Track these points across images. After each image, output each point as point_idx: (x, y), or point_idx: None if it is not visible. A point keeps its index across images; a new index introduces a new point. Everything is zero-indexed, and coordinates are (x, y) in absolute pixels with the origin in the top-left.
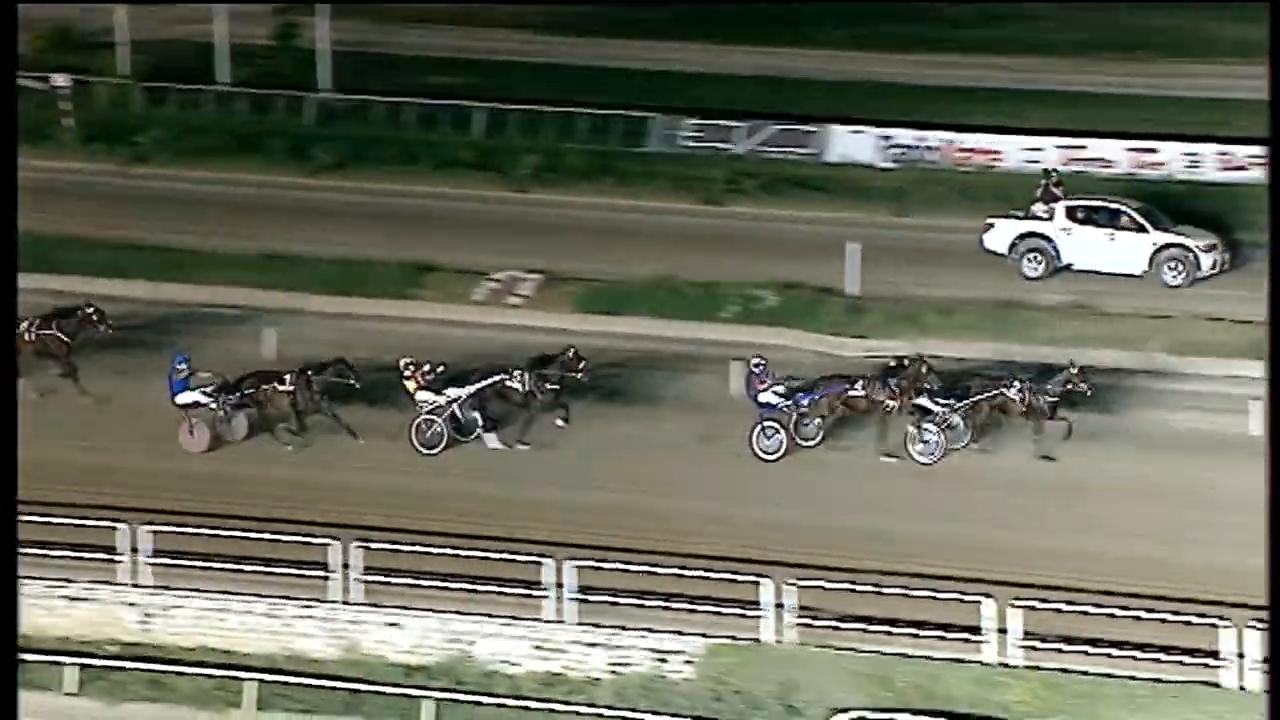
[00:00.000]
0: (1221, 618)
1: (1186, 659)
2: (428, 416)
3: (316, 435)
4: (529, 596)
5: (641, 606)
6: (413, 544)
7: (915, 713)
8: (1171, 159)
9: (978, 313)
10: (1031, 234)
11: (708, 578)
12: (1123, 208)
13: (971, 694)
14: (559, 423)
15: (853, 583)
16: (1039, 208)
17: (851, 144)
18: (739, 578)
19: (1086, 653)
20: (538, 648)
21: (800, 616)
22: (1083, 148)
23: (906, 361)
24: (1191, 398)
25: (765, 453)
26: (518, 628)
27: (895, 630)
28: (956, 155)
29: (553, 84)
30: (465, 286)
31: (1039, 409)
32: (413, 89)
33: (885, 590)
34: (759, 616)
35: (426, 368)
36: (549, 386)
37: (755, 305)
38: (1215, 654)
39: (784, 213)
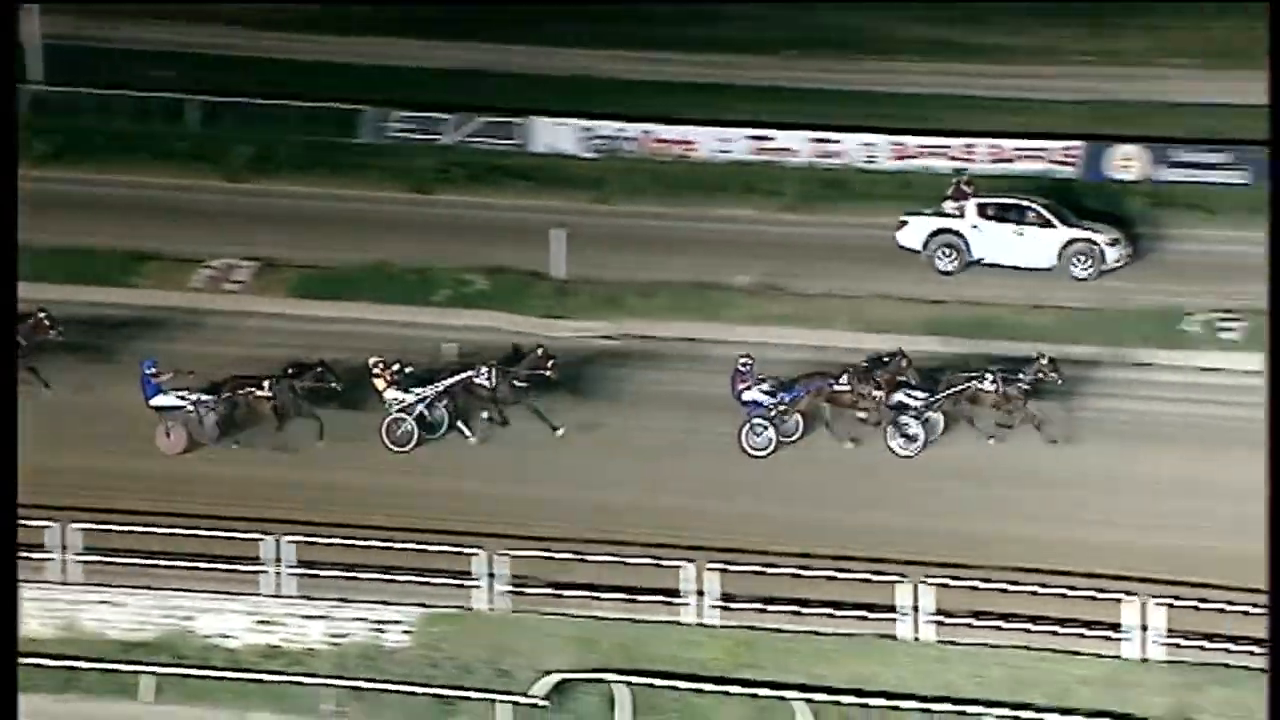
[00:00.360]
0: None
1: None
2: (398, 415)
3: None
4: (248, 572)
5: (358, 580)
6: (129, 524)
7: (619, 672)
8: (850, 149)
9: (677, 294)
10: (944, 231)
11: (426, 550)
12: (1031, 204)
13: (672, 653)
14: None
15: (559, 552)
16: (950, 205)
17: (555, 135)
18: (454, 550)
19: (779, 612)
20: (258, 621)
21: (513, 585)
22: (771, 139)
23: (886, 358)
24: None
25: (755, 450)
26: (237, 603)
27: (601, 596)
28: (654, 145)
29: (266, 78)
30: (183, 274)
31: (1012, 400)
32: (128, 83)
33: (590, 559)
34: (474, 586)
35: (396, 366)
36: (517, 383)
37: (466, 289)
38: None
39: (492, 201)
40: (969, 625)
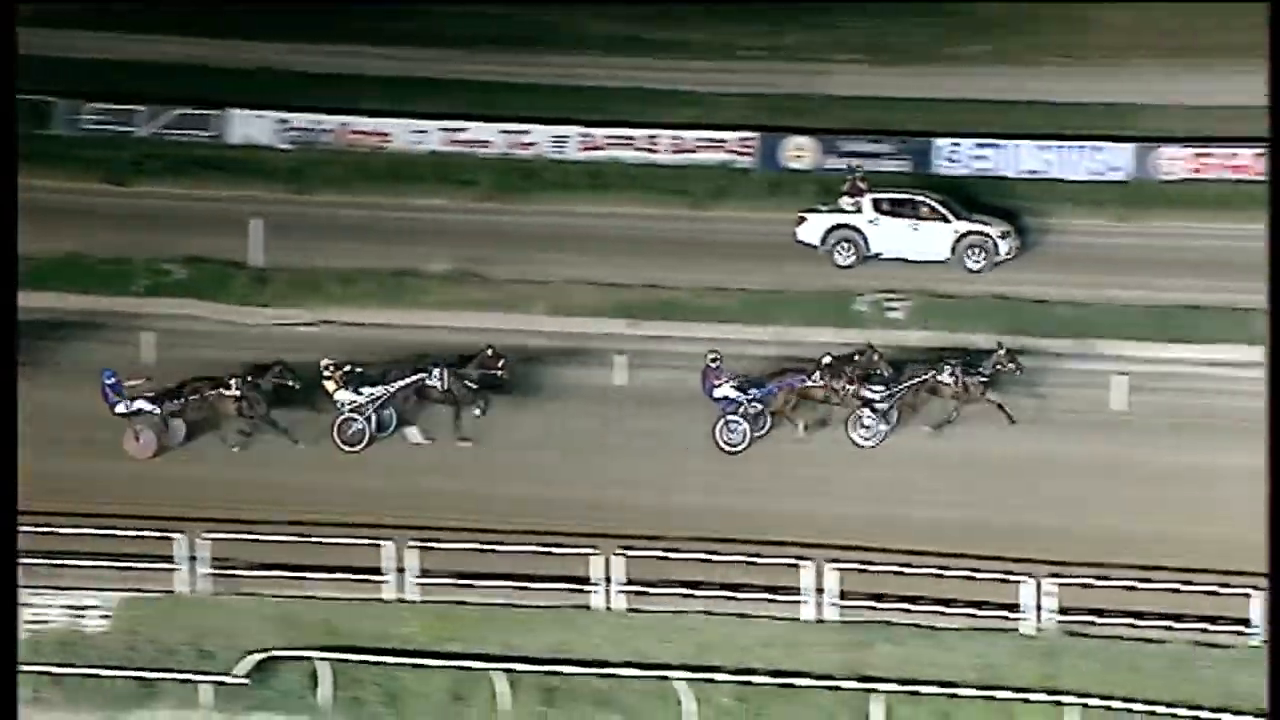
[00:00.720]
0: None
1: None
2: (349, 415)
3: None
4: None
5: (61, 567)
6: None
7: (321, 649)
8: (540, 140)
9: (375, 281)
10: (842, 226)
11: (123, 535)
12: (925, 199)
13: (373, 629)
14: (475, 413)
15: (260, 535)
16: (846, 201)
17: (252, 127)
18: (156, 534)
19: (477, 587)
20: None
21: (214, 568)
22: (464, 130)
23: (858, 354)
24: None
25: (730, 446)
26: None
27: (304, 576)
28: (350, 137)
29: None
30: None
31: (971, 390)
32: None
33: (291, 540)
34: (175, 570)
35: (348, 368)
36: (468, 384)
37: (165, 279)
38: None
39: (189, 192)
40: (659, 594)
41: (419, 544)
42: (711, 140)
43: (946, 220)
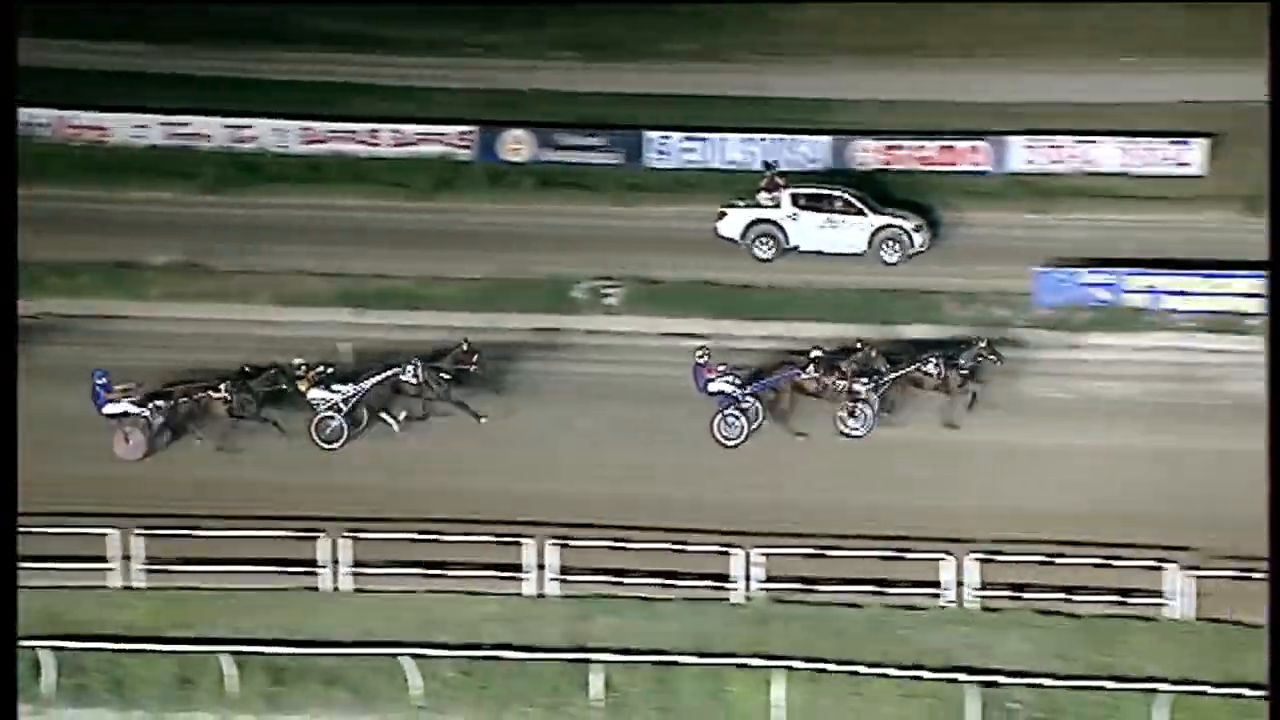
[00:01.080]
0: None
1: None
2: (327, 413)
3: None
4: None
5: None
6: None
7: (43, 637)
8: (262, 133)
9: (97, 274)
10: (762, 221)
11: None
12: (842, 194)
13: (98, 616)
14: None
15: None
16: (765, 196)
17: None
18: None
19: (204, 572)
20: None
21: None
22: (186, 124)
23: (857, 346)
24: None
25: (727, 439)
26: None
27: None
28: (68, 131)
29: None
30: None
31: (952, 382)
32: None
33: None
34: None
35: (320, 368)
36: (443, 378)
37: None
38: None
39: None
40: (385, 575)
41: (144, 532)
42: (431, 134)
43: (863, 214)
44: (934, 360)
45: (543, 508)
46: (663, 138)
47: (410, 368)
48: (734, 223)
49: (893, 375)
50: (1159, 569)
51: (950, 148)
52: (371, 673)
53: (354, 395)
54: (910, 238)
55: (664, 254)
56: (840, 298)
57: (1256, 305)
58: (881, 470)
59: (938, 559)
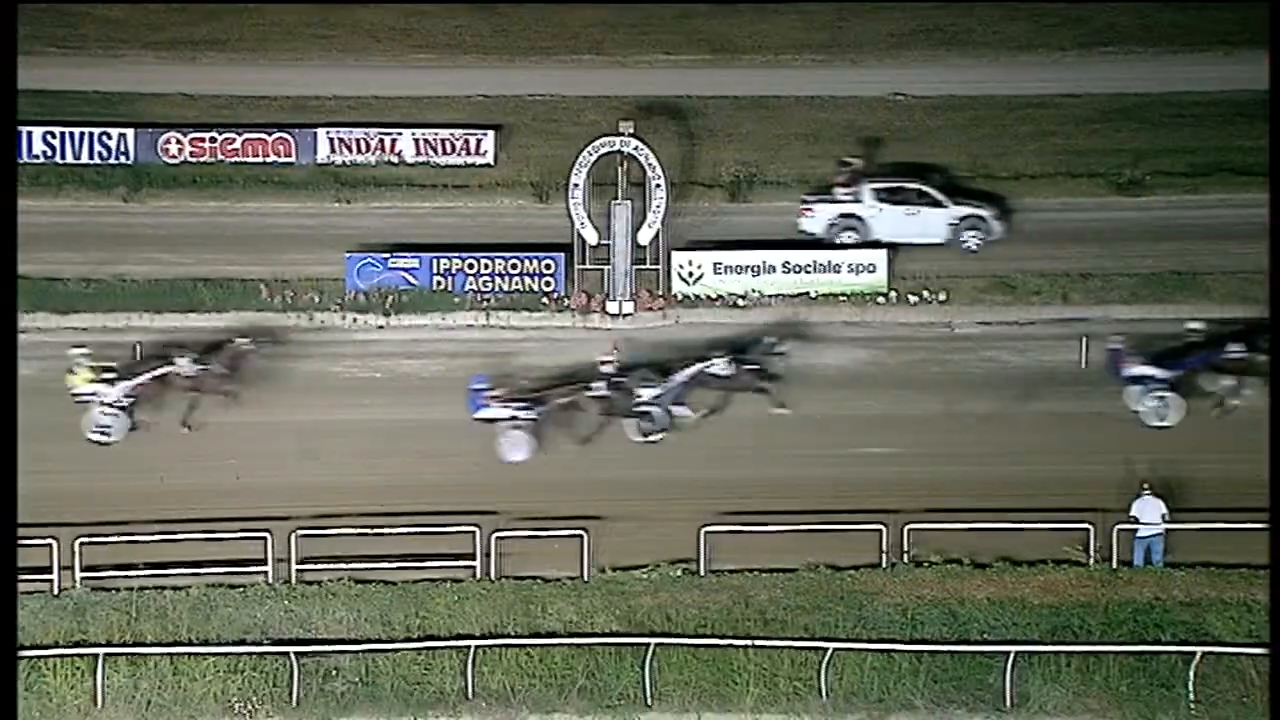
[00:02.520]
0: None
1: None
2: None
3: None
4: None
5: None
6: None
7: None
8: None
9: None
10: (846, 215)
11: None
12: (921, 186)
13: None
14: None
15: None
16: (843, 192)
17: None
18: None
19: None
20: None
21: None
22: None
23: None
24: None
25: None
26: None
27: None
28: None
29: None
30: None
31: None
32: None
33: None
34: None
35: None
36: (748, 369)
37: None
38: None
39: None
40: None
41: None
42: None
43: (943, 205)
44: (721, 360)
45: None
46: None
47: (719, 362)
48: (818, 219)
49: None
50: (470, 533)
51: (259, 140)
52: None
53: (670, 389)
54: (991, 225)
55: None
56: None
57: (548, 284)
58: (206, 454)
59: (260, 537)
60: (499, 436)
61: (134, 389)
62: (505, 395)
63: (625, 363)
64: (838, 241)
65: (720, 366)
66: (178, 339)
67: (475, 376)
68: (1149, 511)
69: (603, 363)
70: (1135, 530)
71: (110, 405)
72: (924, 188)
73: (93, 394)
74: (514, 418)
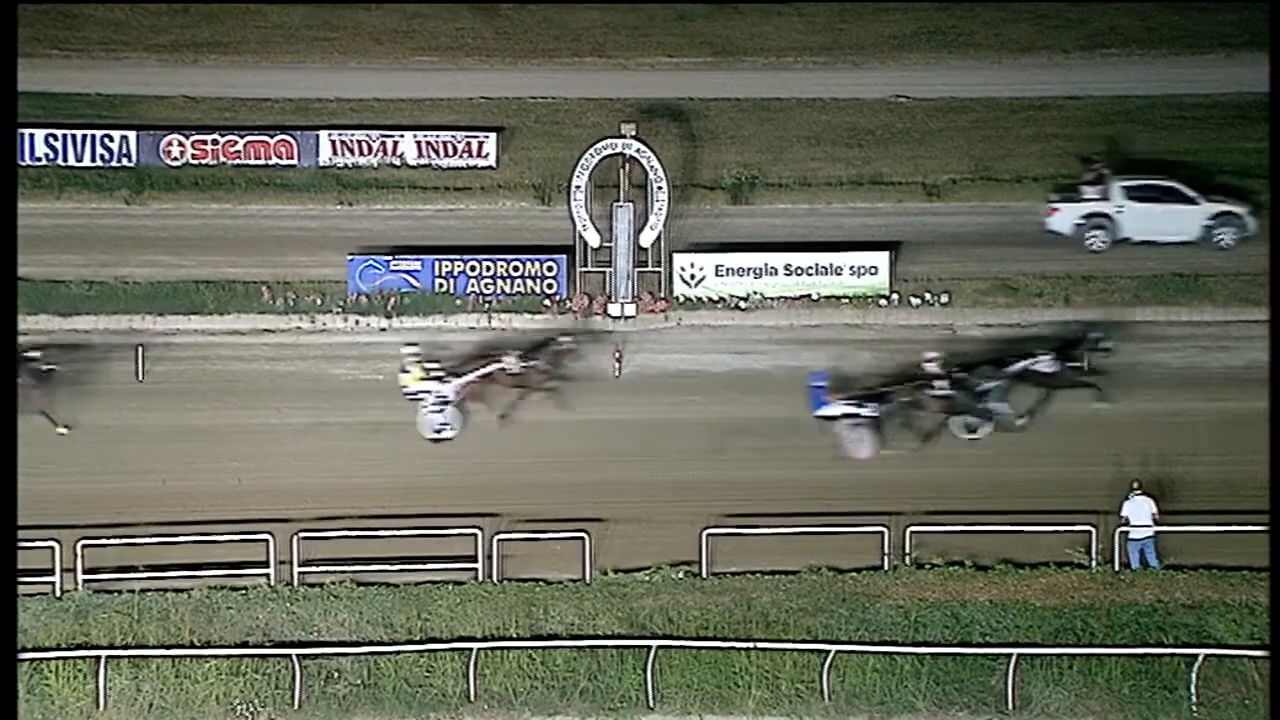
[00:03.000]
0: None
1: None
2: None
3: None
4: None
5: None
6: None
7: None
8: None
9: None
10: (1094, 214)
11: None
12: (1171, 183)
13: None
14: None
15: None
16: (1091, 190)
17: None
18: None
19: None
20: None
21: None
22: None
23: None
24: None
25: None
26: None
27: None
28: None
29: None
30: None
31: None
32: None
33: None
34: None
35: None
36: (1071, 365)
37: None
38: None
39: None
40: None
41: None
42: None
43: (1195, 202)
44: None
45: None
46: None
47: (1044, 358)
48: (1065, 218)
49: (474, 376)
50: (472, 535)
51: (261, 142)
52: None
53: (995, 387)
54: (1246, 221)
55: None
56: None
57: (550, 286)
58: (207, 456)
59: (262, 539)
60: (841, 433)
61: (463, 387)
62: (847, 393)
63: (954, 361)
64: (1086, 241)
65: (1045, 363)
66: (505, 340)
67: (814, 374)
68: (1140, 512)
69: (927, 360)
70: (1134, 531)
71: (440, 401)
72: (1176, 185)
73: (424, 391)
74: (855, 415)
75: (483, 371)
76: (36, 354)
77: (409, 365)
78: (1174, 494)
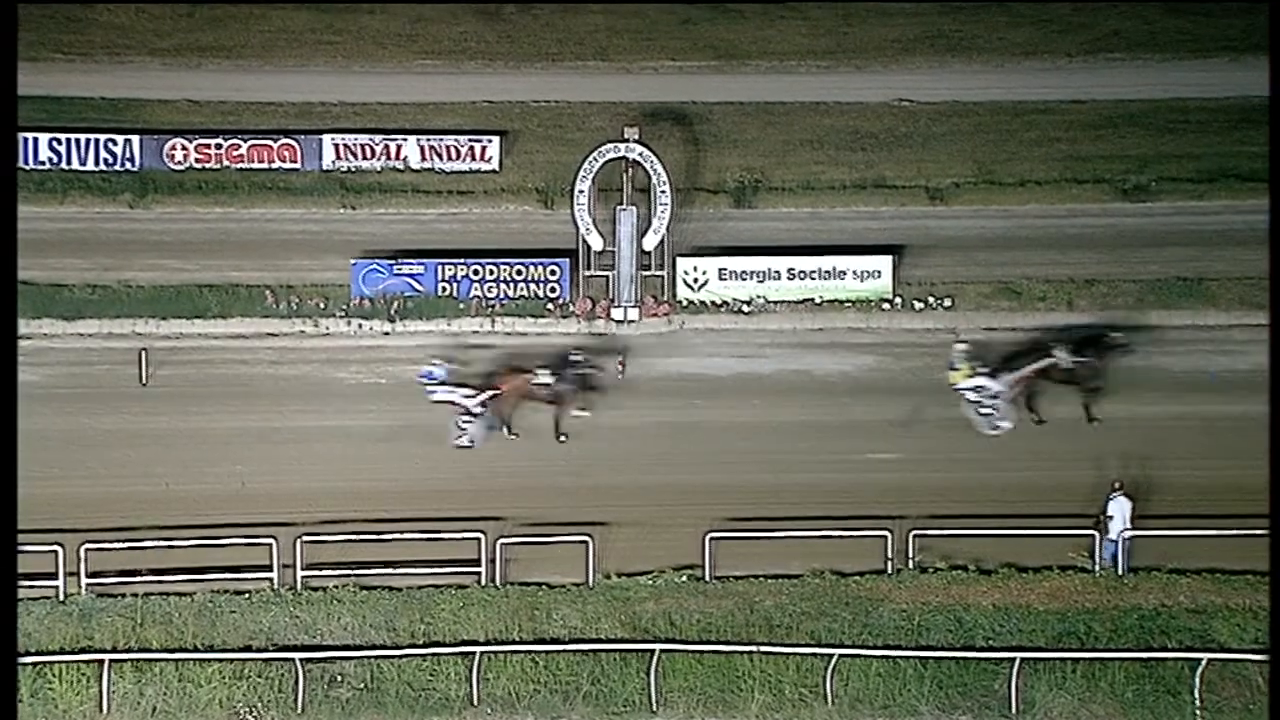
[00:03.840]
0: None
1: None
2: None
3: None
4: None
5: None
6: None
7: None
8: None
9: None
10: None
11: None
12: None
13: None
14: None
15: None
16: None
17: None
18: None
19: None
20: None
21: None
22: None
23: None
24: None
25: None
26: None
27: None
28: None
29: None
30: None
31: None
32: None
33: None
34: None
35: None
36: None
37: None
38: None
39: None
40: None
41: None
42: None
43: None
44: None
45: None
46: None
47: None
48: None
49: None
50: (475, 539)
51: (264, 146)
52: None
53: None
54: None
55: None
56: None
57: (553, 290)
58: (210, 460)
59: (265, 543)
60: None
61: (1016, 381)
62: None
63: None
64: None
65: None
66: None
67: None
68: (1120, 512)
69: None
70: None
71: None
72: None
73: (976, 387)
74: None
75: (1036, 366)
76: (579, 356)
77: (958, 362)
78: (1175, 499)
